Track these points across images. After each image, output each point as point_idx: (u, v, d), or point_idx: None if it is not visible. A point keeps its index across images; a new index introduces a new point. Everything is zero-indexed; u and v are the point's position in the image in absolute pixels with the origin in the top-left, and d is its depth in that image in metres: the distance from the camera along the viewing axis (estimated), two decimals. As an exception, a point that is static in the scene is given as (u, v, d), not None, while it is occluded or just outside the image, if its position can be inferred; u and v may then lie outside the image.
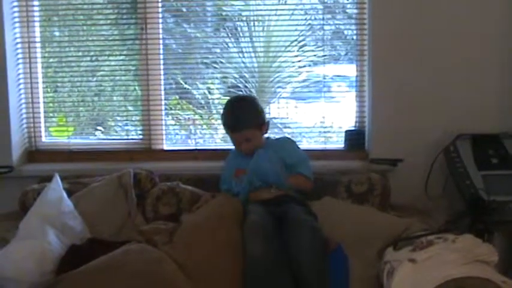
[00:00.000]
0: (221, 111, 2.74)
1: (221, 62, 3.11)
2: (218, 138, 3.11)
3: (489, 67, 2.83)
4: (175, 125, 3.18)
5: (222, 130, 2.90)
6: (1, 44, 2.90)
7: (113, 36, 3.11)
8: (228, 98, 2.97)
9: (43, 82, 3.11)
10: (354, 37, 3.01)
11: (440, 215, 2.58)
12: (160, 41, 3.03)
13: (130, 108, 3.17)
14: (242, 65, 3.10)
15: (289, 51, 3.09)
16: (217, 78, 3.17)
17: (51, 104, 3.17)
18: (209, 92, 3.16)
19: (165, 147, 3.10)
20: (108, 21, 3.12)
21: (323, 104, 3.07)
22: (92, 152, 3.08)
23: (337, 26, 3.09)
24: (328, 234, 2.26)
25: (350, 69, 3.04)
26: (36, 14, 3.04)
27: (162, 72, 3.06)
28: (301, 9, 3.07)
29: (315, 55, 3.07)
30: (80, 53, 3.12)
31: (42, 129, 3.11)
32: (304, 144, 3.07)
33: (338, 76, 3.11)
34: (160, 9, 3.02)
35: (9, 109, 2.94)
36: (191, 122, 3.17)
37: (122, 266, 2.09)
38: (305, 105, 3.16)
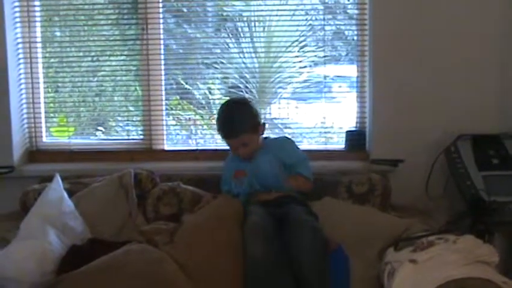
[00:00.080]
0: (222, 111, 2.74)
1: (222, 63, 3.11)
2: (219, 139, 3.10)
3: (489, 67, 2.83)
4: (176, 125, 3.18)
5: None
6: (2, 44, 2.91)
7: (114, 36, 3.12)
8: (228, 98, 2.98)
9: (44, 82, 3.11)
10: (355, 37, 3.01)
11: (441, 215, 2.58)
12: (161, 41, 3.03)
13: (131, 108, 3.17)
14: (243, 65, 3.10)
15: (290, 51, 3.09)
16: (218, 78, 3.17)
17: (52, 104, 3.18)
18: (210, 93, 3.17)
19: (166, 148, 3.10)
20: (109, 22, 3.12)
21: (324, 104, 3.06)
22: (92, 152, 3.08)
23: (338, 26, 3.09)
24: (329, 235, 2.26)
25: (351, 70, 3.04)
26: (37, 14, 3.05)
27: (163, 72, 3.06)
28: (302, 10, 3.07)
29: (315, 55, 3.07)
30: (81, 53, 3.12)
31: (43, 129, 3.11)
32: (304, 145, 3.07)
33: (339, 76, 3.11)
34: (161, 10, 3.02)
35: (10, 109, 2.94)
36: (192, 122, 3.17)
37: (123, 266, 2.09)
38: (306, 105, 3.16)
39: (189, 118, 3.17)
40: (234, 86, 3.12)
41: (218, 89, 3.18)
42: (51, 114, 3.17)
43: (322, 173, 2.71)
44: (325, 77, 3.06)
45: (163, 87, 3.07)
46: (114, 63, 3.14)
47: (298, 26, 3.06)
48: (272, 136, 2.85)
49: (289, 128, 3.16)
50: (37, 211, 2.36)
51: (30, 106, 3.07)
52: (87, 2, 3.10)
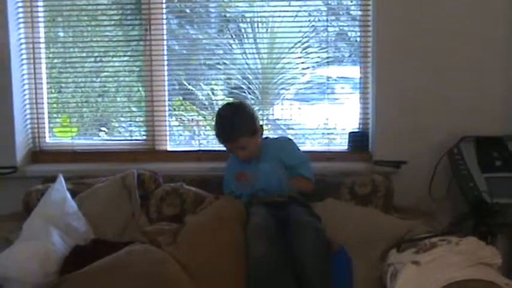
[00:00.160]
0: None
1: (225, 63, 3.11)
2: (220, 140, 3.11)
3: (493, 69, 2.83)
4: (178, 126, 3.19)
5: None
6: (6, 44, 2.91)
7: (117, 37, 3.12)
8: (228, 100, 2.98)
9: (47, 83, 3.11)
10: (358, 39, 3.01)
11: (444, 217, 2.58)
12: (164, 42, 3.03)
13: (134, 109, 3.18)
14: (246, 66, 3.10)
15: (292, 52, 3.09)
16: (220, 79, 3.17)
17: (55, 105, 3.18)
18: (213, 93, 3.17)
19: (169, 148, 3.11)
20: (112, 22, 3.12)
21: (327, 105, 3.06)
22: (95, 152, 3.08)
23: (341, 27, 3.09)
24: (332, 236, 2.26)
25: (354, 71, 3.04)
26: (41, 14, 3.05)
27: (165, 73, 3.06)
28: (305, 11, 3.06)
29: (318, 57, 3.06)
30: (84, 54, 3.12)
31: (46, 129, 3.11)
32: (307, 146, 3.07)
33: (342, 78, 3.11)
34: (164, 11, 3.02)
35: (14, 110, 2.95)
36: (195, 123, 3.17)
37: (126, 266, 2.09)
38: (309, 106, 3.16)
39: (192, 119, 3.17)
40: (237, 87, 3.12)
41: (221, 89, 3.18)
42: (54, 115, 3.17)
43: (324, 174, 2.71)
44: (328, 78, 3.07)
45: (166, 88, 3.07)
46: (117, 63, 3.14)
47: (301, 27, 3.06)
48: (273, 136, 2.85)
49: (292, 129, 3.16)
50: (40, 212, 2.36)
51: (33, 106, 3.07)
52: (91, 3, 3.11)
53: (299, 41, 3.06)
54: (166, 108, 3.09)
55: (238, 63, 3.11)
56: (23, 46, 3.02)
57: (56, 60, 3.16)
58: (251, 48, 3.10)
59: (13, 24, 2.95)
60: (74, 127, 3.18)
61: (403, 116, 2.84)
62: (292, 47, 3.08)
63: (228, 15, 3.14)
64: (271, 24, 3.07)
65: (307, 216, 2.33)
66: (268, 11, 3.06)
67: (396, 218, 2.47)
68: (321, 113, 3.07)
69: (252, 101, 3.09)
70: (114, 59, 3.14)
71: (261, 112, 3.09)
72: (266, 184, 2.51)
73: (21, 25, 3.00)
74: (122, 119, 3.20)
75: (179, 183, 2.66)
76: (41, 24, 3.06)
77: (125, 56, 3.13)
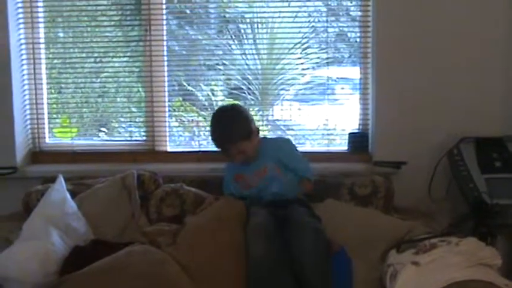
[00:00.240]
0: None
1: (224, 64, 3.11)
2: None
3: (493, 70, 2.83)
4: (178, 126, 3.19)
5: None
6: (5, 44, 2.91)
7: (117, 37, 3.12)
8: (231, 99, 2.97)
9: (47, 83, 3.11)
10: (358, 39, 3.01)
11: (444, 217, 2.58)
12: (164, 43, 3.03)
13: (133, 109, 3.18)
14: (245, 67, 3.10)
15: (292, 53, 3.09)
16: (220, 80, 3.17)
17: (55, 105, 3.18)
18: (212, 94, 3.17)
19: (169, 149, 3.10)
20: (112, 23, 3.12)
21: (326, 106, 3.06)
22: (95, 153, 3.08)
23: (340, 28, 3.09)
24: (332, 237, 2.26)
25: (354, 72, 3.04)
26: (41, 15, 3.04)
27: (165, 73, 3.05)
28: (305, 12, 3.06)
29: (318, 57, 3.06)
30: (84, 54, 3.12)
31: (46, 130, 3.11)
32: (307, 147, 3.07)
33: (342, 78, 3.11)
34: (164, 11, 3.02)
35: (13, 110, 2.95)
36: (194, 123, 3.17)
37: (126, 267, 2.10)
38: (308, 107, 3.16)
39: (192, 120, 3.17)
40: (237, 88, 3.12)
41: (221, 90, 3.18)
42: (54, 115, 3.17)
43: (324, 175, 2.71)
44: (328, 78, 3.06)
45: (166, 89, 3.07)
46: (117, 64, 3.14)
47: (301, 27, 3.05)
48: (270, 136, 2.85)
49: (292, 129, 3.16)
50: (40, 212, 2.36)
51: (33, 107, 3.07)
52: (91, 4, 3.10)
53: (299, 42, 3.06)
54: (166, 109, 3.08)
55: (238, 64, 3.11)
56: (23, 46, 3.02)
57: (55, 61, 3.16)
58: (251, 48, 3.10)
59: (13, 24, 2.95)
60: (73, 127, 3.17)
61: (403, 116, 2.84)
62: (292, 48, 3.08)
63: (227, 15, 3.14)
64: (271, 25, 3.07)
65: (307, 217, 2.33)
66: (268, 12, 3.06)
67: (396, 219, 2.47)
68: (320, 113, 3.07)
69: (252, 102, 3.09)
70: (114, 59, 3.14)
71: (260, 113, 3.10)
72: (268, 187, 2.52)
73: (21, 25, 3.00)
74: (122, 119, 3.19)
75: (179, 184, 2.66)
76: (41, 25, 3.06)
77: (124, 56, 3.13)
